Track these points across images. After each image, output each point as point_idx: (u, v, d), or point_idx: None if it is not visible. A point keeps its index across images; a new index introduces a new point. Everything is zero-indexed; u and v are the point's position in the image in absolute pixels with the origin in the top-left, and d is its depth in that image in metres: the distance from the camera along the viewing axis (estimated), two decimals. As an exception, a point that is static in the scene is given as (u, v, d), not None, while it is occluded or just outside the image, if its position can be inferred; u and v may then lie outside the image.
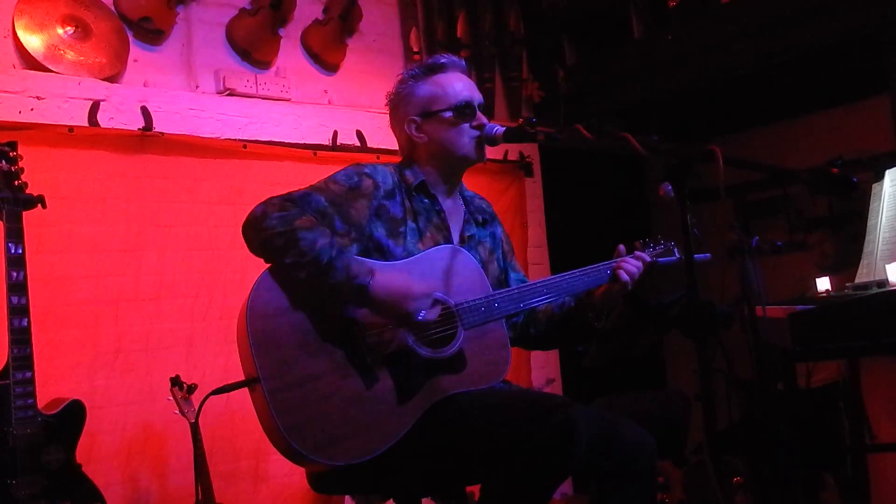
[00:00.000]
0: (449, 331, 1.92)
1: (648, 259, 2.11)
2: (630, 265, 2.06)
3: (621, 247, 2.14)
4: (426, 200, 2.06)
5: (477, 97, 2.07)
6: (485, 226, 2.19)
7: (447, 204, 2.10)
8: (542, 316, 2.20)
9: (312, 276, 1.80)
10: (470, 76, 2.14)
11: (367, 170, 2.00)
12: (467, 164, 2.10)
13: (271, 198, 1.89)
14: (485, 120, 2.05)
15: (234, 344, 1.90)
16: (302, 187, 1.95)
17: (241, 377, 1.92)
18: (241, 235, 1.90)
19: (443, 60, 2.10)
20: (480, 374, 1.93)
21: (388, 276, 1.84)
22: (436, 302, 1.93)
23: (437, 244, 2.01)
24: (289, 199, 1.88)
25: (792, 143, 4.52)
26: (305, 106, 3.63)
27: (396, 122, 2.12)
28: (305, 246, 1.80)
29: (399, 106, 2.10)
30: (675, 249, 2.18)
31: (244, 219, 1.89)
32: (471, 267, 2.02)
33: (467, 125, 2.03)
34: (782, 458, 2.43)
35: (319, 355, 1.81)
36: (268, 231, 1.82)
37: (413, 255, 1.96)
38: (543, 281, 2.06)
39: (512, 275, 2.22)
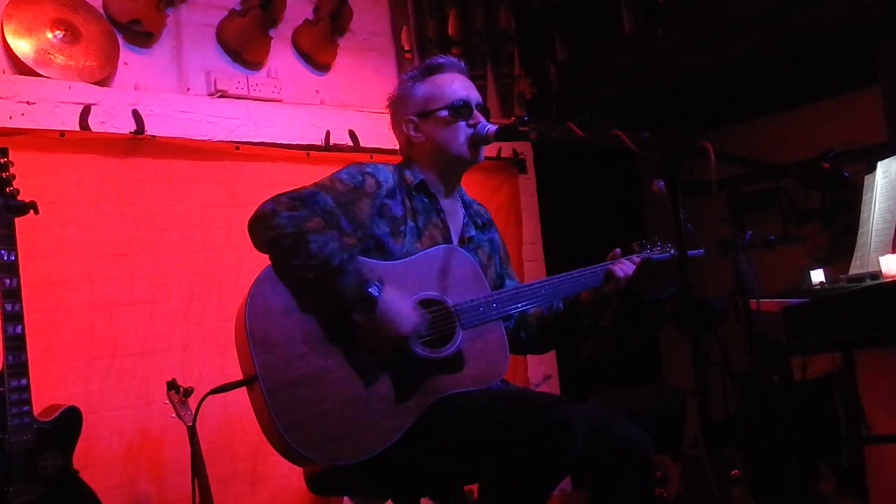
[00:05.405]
0: (447, 331, 1.92)
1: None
2: (627, 267, 2.07)
3: (617, 250, 2.16)
4: (426, 200, 2.06)
5: (475, 97, 2.08)
6: (484, 230, 2.20)
7: (446, 204, 2.10)
8: (532, 319, 2.21)
9: (321, 278, 1.81)
10: (466, 75, 2.15)
11: (368, 169, 2.01)
12: (463, 165, 2.11)
13: (280, 195, 1.90)
14: (482, 119, 2.06)
15: (231, 346, 1.90)
16: (307, 185, 1.95)
17: (238, 379, 1.92)
18: (247, 231, 1.90)
19: (440, 61, 2.11)
20: (479, 374, 1.93)
21: (395, 297, 1.84)
22: (434, 302, 1.93)
23: (435, 243, 2.02)
24: (298, 198, 1.88)
25: (784, 136, 4.52)
26: (297, 106, 3.62)
27: (396, 123, 2.14)
28: (315, 249, 1.81)
29: (398, 107, 2.12)
30: (672, 250, 2.19)
31: (248, 217, 1.90)
32: (469, 267, 2.02)
33: (463, 123, 2.04)
34: (779, 449, 2.44)
35: (318, 354, 1.82)
36: (277, 230, 1.83)
37: (411, 255, 1.97)
38: (541, 281, 2.07)
39: (507, 282, 2.22)
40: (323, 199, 1.90)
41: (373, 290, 1.81)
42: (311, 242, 1.81)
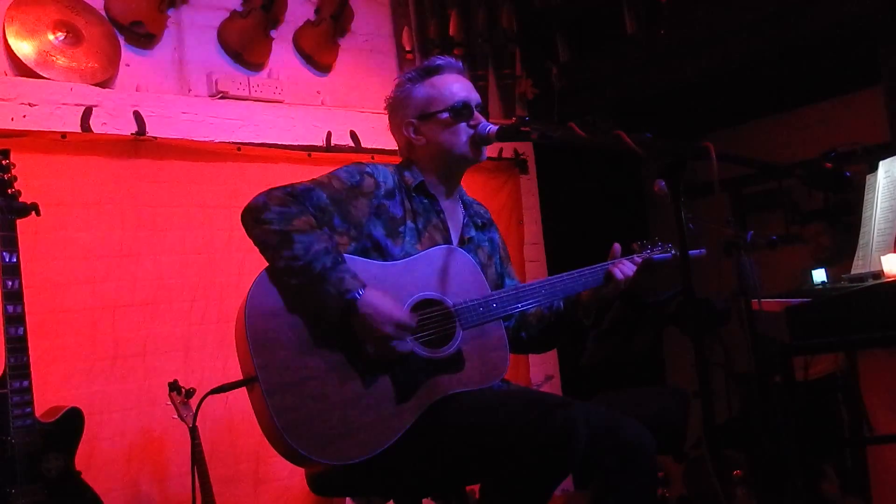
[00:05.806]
0: (448, 331, 1.92)
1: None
2: (627, 267, 2.07)
3: (616, 246, 2.15)
4: (425, 201, 2.06)
5: (474, 97, 2.08)
6: (484, 230, 2.20)
7: (446, 205, 2.10)
8: (532, 319, 2.21)
9: (303, 284, 1.81)
10: (464, 76, 2.15)
11: (368, 169, 2.02)
12: (465, 164, 2.11)
13: (274, 189, 1.90)
14: (482, 119, 2.06)
15: (232, 347, 1.90)
16: (304, 181, 1.95)
17: (237, 380, 1.92)
18: (240, 221, 1.91)
19: (439, 62, 2.11)
20: (479, 374, 1.94)
21: (376, 297, 1.82)
22: (433, 302, 1.93)
23: (435, 244, 2.02)
24: (291, 194, 1.89)
25: (787, 136, 4.53)
26: (298, 107, 3.62)
27: (395, 126, 2.13)
28: (299, 250, 1.80)
29: (397, 109, 2.12)
30: (673, 250, 2.19)
31: (245, 207, 1.90)
32: (469, 267, 2.02)
33: (464, 125, 2.04)
34: (781, 450, 2.43)
35: (318, 354, 1.82)
36: (265, 225, 1.83)
37: (411, 256, 1.97)
38: (541, 282, 2.07)
39: (508, 281, 2.22)
40: (317, 196, 1.91)
41: (352, 297, 1.79)
42: (297, 243, 1.81)
